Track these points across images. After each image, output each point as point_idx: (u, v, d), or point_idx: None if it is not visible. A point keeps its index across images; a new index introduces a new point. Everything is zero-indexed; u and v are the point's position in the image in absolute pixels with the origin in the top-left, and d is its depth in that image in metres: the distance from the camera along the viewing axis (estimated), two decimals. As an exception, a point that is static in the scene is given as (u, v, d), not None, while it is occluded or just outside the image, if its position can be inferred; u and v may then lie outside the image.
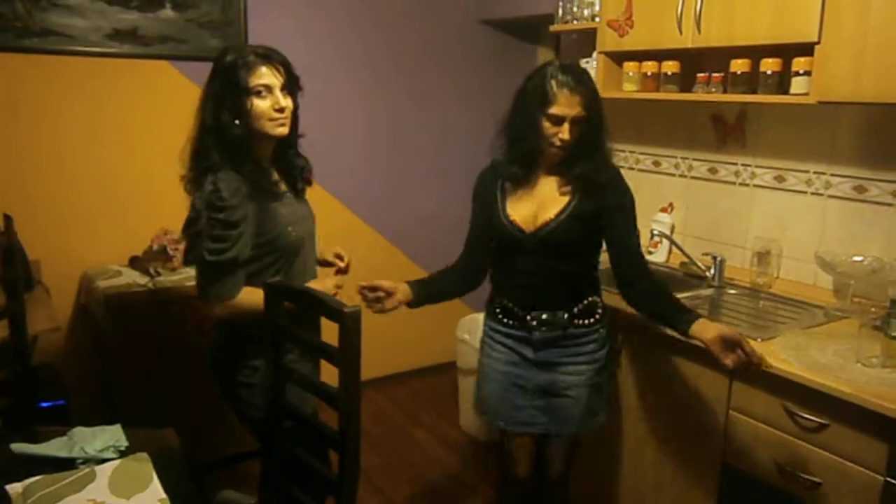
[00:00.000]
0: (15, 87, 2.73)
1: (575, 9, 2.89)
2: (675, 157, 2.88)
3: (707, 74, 2.42)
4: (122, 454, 1.52)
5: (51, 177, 2.82)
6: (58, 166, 2.83)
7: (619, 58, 2.70)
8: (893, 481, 1.60)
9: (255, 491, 1.95)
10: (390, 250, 3.72)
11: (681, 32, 2.35)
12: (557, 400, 1.96)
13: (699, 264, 2.61)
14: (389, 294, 1.89)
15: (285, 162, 1.86)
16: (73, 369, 2.85)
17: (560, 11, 2.98)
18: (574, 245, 1.89)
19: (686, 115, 2.80)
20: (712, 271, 2.55)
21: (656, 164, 2.97)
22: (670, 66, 2.52)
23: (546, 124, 1.81)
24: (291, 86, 1.77)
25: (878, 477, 1.63)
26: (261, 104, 1.69)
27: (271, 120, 1.71)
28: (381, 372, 3.72)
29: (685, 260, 2.68)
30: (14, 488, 1.37)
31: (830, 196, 2.35)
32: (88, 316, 2.87)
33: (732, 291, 2.50)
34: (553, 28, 3.04)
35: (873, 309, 1.94)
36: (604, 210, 1.87)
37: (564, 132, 1.79)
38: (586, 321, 1.95)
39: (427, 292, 1.98)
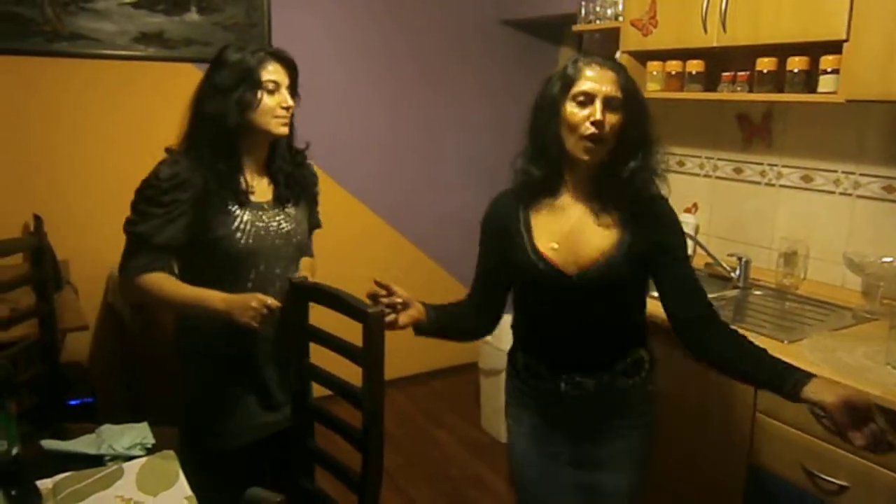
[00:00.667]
0: (46, 91, 2.78)
1: (598, 8, 2.88)
2: (700, 157, 2.85)
3: (732, 73, 2.39)
4: (149, 451, 1.54)
5: (80, 177, 2.87)
6: (88, 167, 2.88)
7: (642, 57, 2.69)
8: (924, 486, 1.57)
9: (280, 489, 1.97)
10: (413, 252, 3.73)
11: (706, 31, 2.32)
12: (603, 478, 1.61)
13: (724, 265, 2.58)
14: (405, 305, 1.56)
15: (274, 167, 1.79)
16: (100, 368, 2.89)
17: (583, 11, 2.97)
18: (626, 289, 1.56)
19: (711, 115, 2.78)
20: (738, 272, 2.52)
21: (681, 163, 2.94)
22: (695, 66, 2.50)
23: (571, 110, 1.45)
24: (295, 88, 1.75)
25: (909, 482, 1.61)
26: (269, 100, 1.67)
27: (276, 117, 1.68)
28: (403, 372, 3.73)
29: (710, 261, 2.65)
30: (44, 484, 1.39)
31: (859, 196, 2.32)
32: (115, 315, 2.91)
33: (758, 292, 2.47)
34: (576, 28, 3.03)
35: (903, 311, 1.91)
36: (659, 245, 1.52)
37: (596, 111, 1.42)
38: (631, 381, 1.60)
39: (441, 321, 1.64)
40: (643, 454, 1.65)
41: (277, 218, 1.76)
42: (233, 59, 1.67)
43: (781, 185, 2.56)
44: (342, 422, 1.71)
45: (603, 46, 3.15)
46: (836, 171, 2.37)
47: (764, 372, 1.42)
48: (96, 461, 1.50)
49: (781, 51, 2.21)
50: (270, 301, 1.58)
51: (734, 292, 2.49)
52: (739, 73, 2.37)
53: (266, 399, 1.80)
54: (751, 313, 2.35)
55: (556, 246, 1.53)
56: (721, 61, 2.50)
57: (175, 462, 1.48)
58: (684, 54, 2.52)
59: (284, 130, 1.72)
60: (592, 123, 1.43)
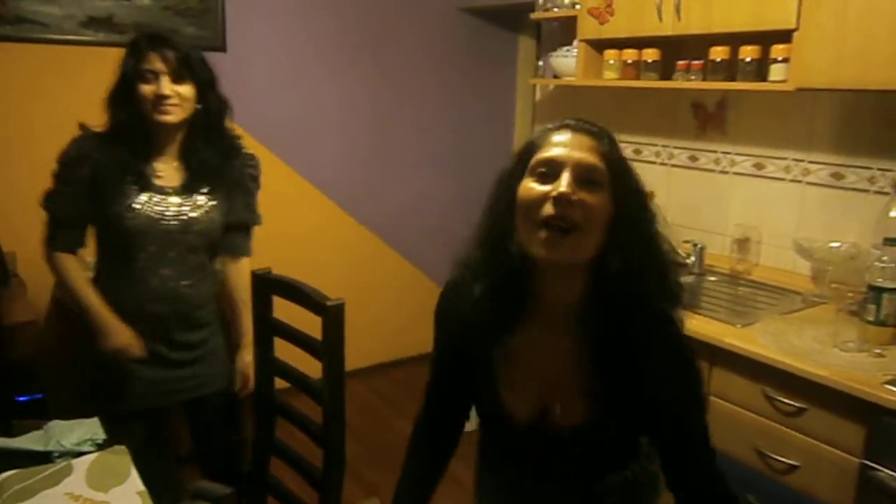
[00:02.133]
0: (-13, 76, 2.68)
1: (555, -4, 2.88)
2: (657, 145, 2.89)
3: (687, 62, 2.43)
4: (100, 447, 1.50)
5: (23, 167, 2.77)
6: (33, 156, 2.77)
7: (599, 46, 2.70)
8: (869, 464, 1.62)
9: (237, 458, 1.98)
10: (372, 240, 3.71)
11: (660, 20, 2.35)
12: None
13: (680, 252, 2.62)
14: None
15: (187, 154, 1.79)
16: (50, 363, 2.81)
17: (541, -1, 2.97)
18: (607, 450, 1.19)
19: (667, 103, 2.81)
20: (693, 258, 2.57)
21: (637, 152, 2.97)
22: (651, 54, 2.52)
23: (530, 185, 1.04)
24: (189, 73, 1.72)
25: (855, 460, 1.66)
26: (144, 89, 1.69)
27: (154, 106, 1.69)
28: (364, 363, 3.71)
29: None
30: (-11, 483, 1.34)
31: (809, 183, 2.37)
32: (65, 308, 2.83)
33: (713, 278, 2.52)
34: (534, 16, 3.03)
35: (850, 294, 1.96)
36: (657, 406, 1.11)
37: (561, 184, 1.00)
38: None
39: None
40: None
41: (181, 205, 1.77)
42: (126, 51, 1.72)
43: (735, 173, 2.60)
44: (303, 416, 1.70)
45: (561, 35, 3.16)
46: (786, 159, 2.43)
47: None
48: (44, 458, 1.46)
49: (734, 40, 2.25)
50: (135, 351, 1.76)
51: (690, 278, 2.53)
52: (694, 62, 2.40)
53: (167, 367, 1.85)
54: (706, 298, 2.39)
55: (521, 391, 1.16)
56: (676, 50, 2.53)
57: (127, 457, 1.44)
58: (640, 43, 2.54)
59: (168, 118, 1.71)
60: (554, 199, 1.00)
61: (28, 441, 1.50)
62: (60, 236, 1.78)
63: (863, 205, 2.21)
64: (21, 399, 2.03)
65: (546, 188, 1.02)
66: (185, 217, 1.77)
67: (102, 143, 1.73)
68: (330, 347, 1.55)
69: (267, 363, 1.77)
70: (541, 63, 3.38)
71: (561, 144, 1.05)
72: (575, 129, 1.07)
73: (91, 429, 1.54)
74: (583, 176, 1.02)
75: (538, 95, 3.53)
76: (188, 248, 1.80)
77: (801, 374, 1.71)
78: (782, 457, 1.81)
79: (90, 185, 1.72)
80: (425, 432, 1.40)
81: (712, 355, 1.95)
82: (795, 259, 2.37)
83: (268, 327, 1.75)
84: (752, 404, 1.88)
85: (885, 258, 1.80)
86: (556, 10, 2.90)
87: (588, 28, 2.66)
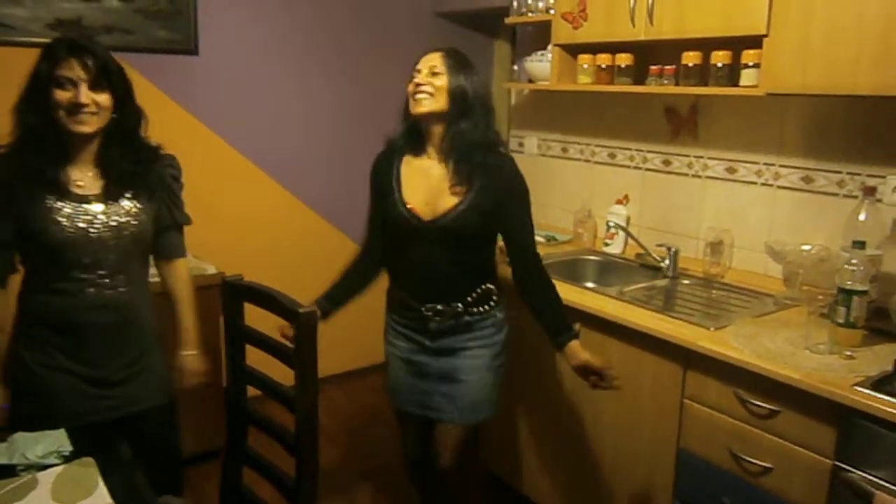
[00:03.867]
0: (-50, 79, 2.61)
1: (530, 1, 2.89)
2: (630, 150, 2.91)
3: (660, 67, 2.44)
4: (67, 459, 1.46)
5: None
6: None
7: (573, 50, 2.71)
8: (841, 465, 1.64)
9: (205, 494, 1.92)
10: (347, 244, 3.68)
11: (633, 25, 2.36)
12: (461, 385, 1.98)
13: (654, 255, 2.63)
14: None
15: (105, 162, 1.72)
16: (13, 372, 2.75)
17: (515, 4, 2.98)
18: (472, 236, 1.91)
19: (640, 108, 2.83)
20: (667, 262, 2.58)
21: (612, 156, 2.99)
22: (624, 59, 2.54)
23: (408, 84, 1.91)
24: (107, 82, 1.65)
25: (827, 461, 1.67)
26: (60, 95, 1.60)
27: (70, 114, 1.61)
28: (340, 368, 3.69)
29: (641, 251, 2.71)
30: (-50, 498, 1.31)
31: (780, 187, 2.40)
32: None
33: (686, 282, 2.54)
34: (508, 20, 3.04)
35: (821, 297, 1.98)
36: (499, 202, 1.89)
37: (421, 75, 1.88)
38: (482, 308, 1.97)
39: (333, 301, 2.05)
40: (491, 367, 2.01)
41: (107, 212, 1.71)
42: (42, 55, 1.64)
43: (707, 177, 2.63)
44: (275, 424, 1.68)
45: (535, 39, 3.17)
46: (758, 163, 2.45)
47: (548, 323, 1.93)
48: (8, 471, 1.42)
49: (706, 45, 2.27)
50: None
51: (664, 282, 2.55)
52: (666, 67, 2.42)
53: (103, 384, 1.76)
54: (680, 302, 2.41)
55: (417, 197, 1.91)
56: (649, 55, 2.55)
57: (94, 469, 1.41)
58: (614, 48, 2.56)
59: (82, 128, 1.64)
60: (416, 85, 1.89)
61: (-9, 454, 1.46)
62: None
63: (832, 208, 2.25)
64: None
65: (415, 80, 1.90)
66: (114, 223, 1.71)
67: (8, 159, 1.64)
68: (302, 355, 1.53)
69: (239, 371, 1.74)
70: (516, 67, 3.39)
71: (422, 61, 1.92)
72: (433, 50, 1.92)
73: (57, 440, 1.50)
74: (432, 70, 1.88)
75: (513, 99, 3.54)
76: (122, 255, 1.74)
77: (774, 377, 1.73)
78: (756, 459, 1.82)
79: (8, 203, 1.63)
80: (359, 254, 2.12)
81: (686, 358, 1.97)
82: (767, 262, 2.40)
83: (239, 335, 1.73)
84: (725, 407, 1.89)
85: (854, 261, 1.82)
86: (530, 14, 2.91)
87: (562, 33, 2.67)
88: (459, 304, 1.94)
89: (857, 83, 1.81)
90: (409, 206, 1.91)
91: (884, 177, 2.10)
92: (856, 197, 2.15)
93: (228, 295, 1.73)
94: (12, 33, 2.67)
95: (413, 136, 1.95)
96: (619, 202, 2.94)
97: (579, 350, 1.88)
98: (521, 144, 3.44)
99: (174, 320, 1.92)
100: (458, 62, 1.90)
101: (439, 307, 1.94)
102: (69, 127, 1.63)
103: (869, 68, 1.78)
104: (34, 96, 1.62)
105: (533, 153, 3.38)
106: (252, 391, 1.75)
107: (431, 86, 1.86)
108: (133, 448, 1.81)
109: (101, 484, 1.37)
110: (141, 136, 1.77)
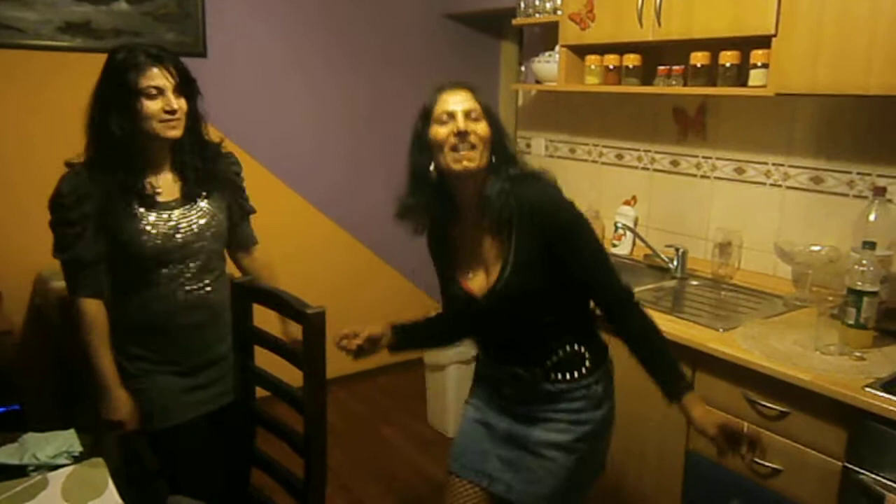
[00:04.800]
0: (-38, 82, 2.64)
1: (537, 2, 2.89)
2: (638, 150, 2.90)
3: (668, 67, 2.44)
4: (77, 460, 1.47)
5: (2, 174, 2.73)
6: (9, 164, 2.74)
7: (581, 51, 2.71)
8: (852, 467, 1.63)
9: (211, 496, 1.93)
10: (354, 245, 3.70)
11: (641, 26, 2.36)
12: (530, 458, 1.63)
13: (662, 256, 2.63)
14: (372, 341, 1.68)
15: (181, 165, 1.79)
16: (27, 373, 2.77)
17: (522, 5, 2.98)
18: (528, 299, 1.56)
19: (648, 109, 2.82)
20: (675, 263, 2.57)
21: (619, 157, 2.98)
22: (632, 60, 2.54)
23: (435, 129, 1.51)
24: (186, 87, 1.72)
25: (837, 463, 1.66)
26: (151, 106, 1.65)
27: (162, 122, 1.67)
28: (348, 370, 3.67)
29: (649, 252, 2.70)
30: (-39, 498, 1.32)
31: (789, 187, 2.39)
32: (42, 318, 2.78)
33: (695, 283, 2.53)
34: (515, 21, 3.04)
35: (831, 298, 1.97)
36: (550, 243, 1.52)
37: (459, 121, 1.48)
38: (567, 375, 1.60)
39: (408, 340, 1.75)
40: (572, 449, 1.61)
41: (188, 215, 1.78)
42: (114, 66, 1.67)
43: (716, 178, 2.62)
44: (284, 426, 1.68)
45: (542, 40, 3.17)
46: (766, 163, 2.44)
47: (657, 371, 1.55)
48: (19, 472, 1.43)
49: (714, 45, 2.26)
50: (130, 425, 1.73)
51: (672, 283, 2.54)
52: (674, 68, 2.41)
53: (190, 380, 1.83)
54: (688, 303, 2.40)
55: (471, 270, 1.62)
56: (657, 55, 2.55)
57: (104, 470, 1.42)
58: (621, 48, 2.55)
59: (175, 133, 1.70)
60: (457, 134, 1.48)
61: (2, 454, 1.48)
62: (84, 280, 1.71)
63: (842, 209, 2.23)
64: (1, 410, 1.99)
65: (448, 128, 1.49)
66: (196, 226, 1.78)
67: (94, 174, 1.68)
68: (311, 355, 1.53)
69: (247, 372, 1.75)
70: (523, 68, 3.39)
71: (449, 101, 1.52)
72: (454, 86, 1.54)
73: (67, 441, 1.51)
74: (470, 114, 1.50)
75: (521, 101, 3.54)
76: (206, 255, 1.80)
77: (783, 378, 1.72)
78: (765, 461, 1.81)
79: (96, 219, 1.68)
80: (442, 314, 1.79)
81: (694, 359, 1.96)
82: (776, 263, 2.39)
83: (248, 336, 1.73)
84: (734, 408, 1.88)
85: (864, 262, 1.81)
86: (538, 15, 2.91)
87: (569, 34, 2.67)
88: (538, 369, 1.60)
89: (867, 83, 1.80)
90: (463, 286, 1.61)
91: (894, 177, 2.09)
92: (866, 197, 2.14)
93: (237, 296, 1.73)
94: (22, 37, 2.69)
95: (442, 196, 1.59)
96: (626, 203, 2.93)
97: (702, 405, 1.51)
98: (528, 146, 3.44)
99: None
100: (483, 97, 1.56)
101: (515, 371, 1.62)
102: (163, 134, 1.68)
103: (879, 68, 1.77)
104: (119, 108, 1.65)
105: (540, 154, 3.38)
106: (260, 392, 1.75)
107: (475, 135, 1.49)
108: (209, 444, 1.87)
109: (111, 484, 1.38)
110: (205, 134, 1.84)
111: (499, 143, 1.54)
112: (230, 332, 1.84)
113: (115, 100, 1.65)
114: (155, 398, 1.78)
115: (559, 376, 1.60)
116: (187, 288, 1.77)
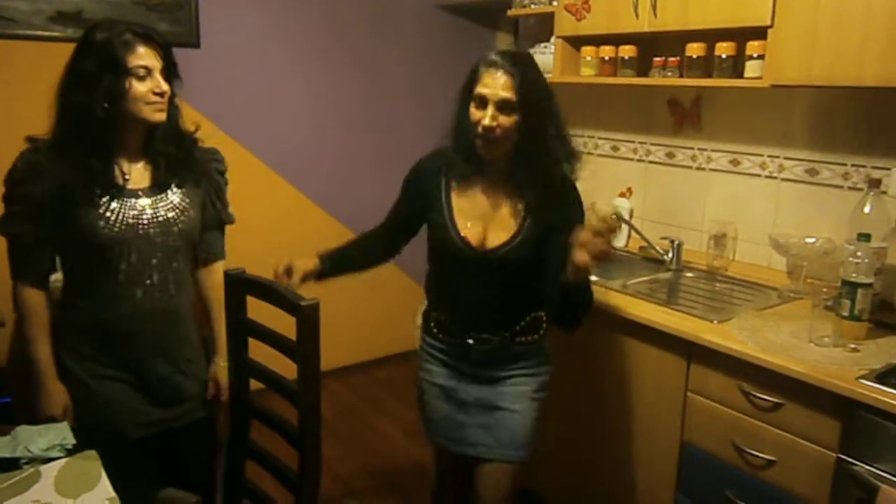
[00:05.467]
0: (-49, 73, 2.61)
1: (532, -7, 2.88)
2: (634, 142, 2.89)
3: (663, 59, 2.43)
4: (70, 452, 1.46)
5: (-8, 166, 2.71)
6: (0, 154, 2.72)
7: (576, 42, 2.70)
8: (846, 458, 1.63)
9: (210, 489, 1.92)
10: (346, 235, 3.67)
11: (637, 16, 2.35)
12: (501, 415, 1.80)
13: (657, 248, 2.63)
14: (306, 277, 1.79)
15: (154, 152, 1.68)
16: (18, 366, 2.75)
17: (517, -5, 2.96)
18: (527, 267, 1.73)
19: (643, 100, 2.82)
20: (670, 255, 2.57)
21: (615, 148, 2.98)
22: (627, 51, 2.53)
23: (472, 110, 1.64)
24: (170, 71, 1.64)
25: (831, 454, 1.67)
26: (139, 87, 1.56)
27: (149, 104, 1.58)
28: (342, 362, 3.68)
29: (644, 244, 2.70)
30: (-47, 491, 1.31)
31: (784, 179, 2.39)
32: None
33: (690, 274, 2.53)
34: (511, 12, 3.02)
35: (825, 290, 1.97)
36: (553, 231, 1.68)
37: (486, 117, 1.59)
38: (529, 337, 1.80)
39: (334, 263, 1.85)
40: (534, 398, 1.82)
41: (156, 206, 1.67)
42: (98, 43, 1.55)
43: (711, 169, 2.61)
44: (278, 417, 1.67)
45: (538, 32, 3.15)
46: (762, 155, 2.44)
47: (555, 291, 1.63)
48: (11, 464, 1.42)
49: (710, 36, 2.25)
50: (63, 420, 1.61)
51: (667, 275, 2.54)
52: (670, 59, 2.40)
53: (152, 395, 1.73)
54: (683, 295, 2.40)
55: (469, 225, 1.72)
56: (653, 47, 2.54)
57: (97, 462, 1.41)
58: (617, 40, 2.54)
59: (161, 117, 1.62)
60: (483, 128, 1.60)
61: (-6, 447, 1.46)
62: (28, 264, 1.63)
63: (837, 201, 2.23)
64: (-11, 403, 1.98)
65: (479, 114, 1.61)
66: (162, 218, 1.67)
67: (57, 152, 1.57)
68: (305, 348, 1.52)
69: (241, 364, 1.74)
70: (518, 60, 3.36)
71: (489, 84, 1.60)
72: (503, 70, 1.60)
73: (60, 433, 1.50)
74: (502, 107, 1.59)
75: (516, 92, 3.52)
76: (170, 252, 1.69)
77: (778, 370, 1.72)
78: (759, 452, 1.81)
79: (53, 200, 1.57)
80: (373, 230, 1.95)
81: (689, 351, 1.96)
82: (771, 255, 2.39)
83: (242, 328, 1.72)
84: (729, 400, 1.88)
85: (858, 254, 1.81)
86: (533, 6, 2.89)
87: (565, 25, 2.65)
88: (507, 333, 1.77)
89: (862, 75, 1.80)
90: (462, 235, 1.72)
91: (889, 169, 2.09)
92: (861, 189, 2.14)
93: (230, 288, 1.72)
94: (14, 26, 2.67)
95: (470, 159, 1.72)
96: (622, 195, 2.93)
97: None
98: (523, 137, 3.43)
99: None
100: (527, 81, 1.61)
101: (484, 335, 1.77)
102: (149, 117, 1.60)
103: (875, 60, 1.77)
104: (103, 86, 1.54)
105: (536, 146, 3.37)
106: (255, 384, 1.75)
107: (501, 128, 1.61)
108: (168, 463, 1.78)
109: (104, 477, 1.37)
110: (180, 124, 1.73)
111: (532, 124, 1.63)
112: (193, 347, 1.78)
113: (98, 78, 1.54)
114: (99, 407, 1.68)
115: (523, 339, 1.79)
116: (146, 289, 1.66)
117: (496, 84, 1.60)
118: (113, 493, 1.31)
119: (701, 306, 2.22)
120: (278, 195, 3.44)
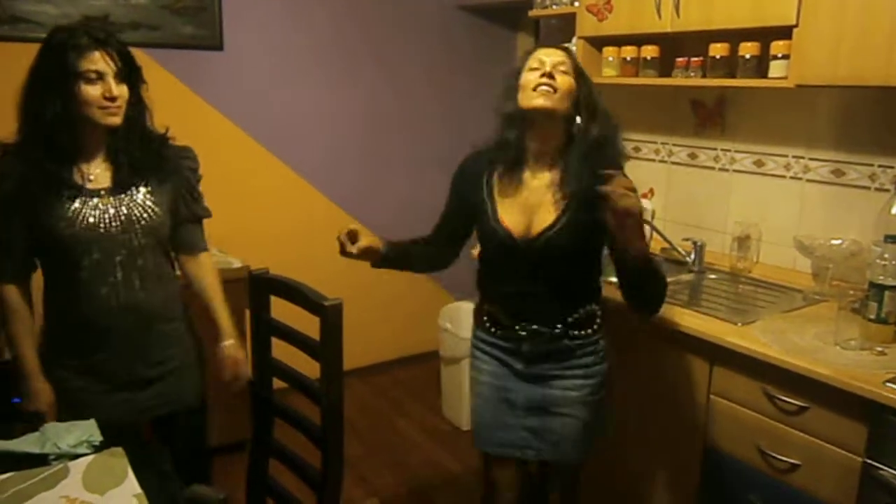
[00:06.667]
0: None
1: (554, -7, 2.87)
2: (656, 143, 2.88)
3: (686, 59, 2.41)
4: (97, 449, 1.49)
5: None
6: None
7: (598, 43, 2.69)
8: (872, 463, 1.61)
9: (231, 486, 1.94)
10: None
11: (660, 16, 2.33)
12: (552, 420, 1.78)
13: (679, 250, 2.61)
14: (366, 252, 1.79)
15: (115, 153, 1.69)
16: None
17: (539, -4, 2.96)
18: (573, 255, 1.73)
19: (666, 101, 2.80)
20: (692, 256, 2.55)
21: (636, 149, 2.96)
22: (650, 51, 2.51)
23: (526, 77, 1.68)
24: (128, 74, 1.64)
25: (857, 458, 1.65)
26: (90, 90, 1.57)
27: (101, 108, 1.59)
28: (364, 362, 3.70)
29: (666, 245, 2.68)
30: (-15, 486, 1.33)
31: (809, 180, 2.36)
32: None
33: (713, 276, 2.51)
34: (532, 13, 3.02)
35: (851, 292, 1.95)
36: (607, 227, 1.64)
37: (547, 67, 1.66)
38: (583, 332, 1.78)
39: (397, 256, 1.87)
40: (587, 402, 1.79)
41: (118, 204, 1.68)
42: (52, 47, 1.58)
43: (734, 170, 2.59)
44: (301, 417, 1.69)
45: (559, 32, 3.14)
46: (786, 156, 2.41)
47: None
48: (40, 461, 1.44)
49: (734, 36, 2.23)
50: (48, 417, 1.66)
51: (689, 276, 2.52)
52: (693, 59, 2.39)
53: (132, 384, 1.75)
54: (705, 297, 2.38)
55: (513, 215, 1.73)
56: (675, 47, 2.52)
57: (123, 459, 1.43)
58: (639, 40, 2.53)
59: (113, 120, 1.62)
60: (542, 75, 1.65)
61: (24, 443, 1.49)
62: (5, 263, 1.66)
63: (864, 202, 2.20)
64: (17, 401, 2.01)
65: (539, 75, 1.66)
66: (123, 216, 1.68)
67: (22, 154, 1.61)
68: (328, 347, 1.54)
69: (265, 364, 1.76)
70: (539, 61, 3.36)
71: (545, 54, 1.70)
72: (553, 47, 1.74)
73: (87, 430, 1.53)
74: (558, 67, 1.67)
75: (537, 93, 3.52)
76: (135, 250, 1.70)
77: (803, 373, 1.70)
78: (784, 456, 1.79)
79: (20, 200, 1.61)
80: (426, 237, 1.95)
81: (713, 354, 1.94)
82: (796, 256, 2.36)
83: (266, 328, 1.74)
84: (752, 403, 1.87)
85: (886, 255, 1.78)
86: (554, 6, 2.88)
87: (587, 25, 2.64)
88: (559, 326, 1.75)
89: (890, 74, 1.77)
90: (504, 225, 1.73)
91: (917, 169, 2.06)
92: (888, 190, 2.11)
93: (254, 288, 1.74)
94: (42, 30, 2.70)
95: (511, 147, 1.75)
96: (643, 196, 2.91)
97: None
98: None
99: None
100: (580, 66, 1.74)
101: (534, 326, 1.75)
102: (101, 121, 1.61)
103: (903, 58, 1.74)
104: (55, 88, 1.57)
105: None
106: (277, 383, 1.76)
107: (559, 81, 1.66)
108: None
109: (131, 473, 1.39)
110: (148, 125, 1.74)
111: (586, 102, 1.69)
112: (174, 338, 1.78)
113: (52, 82, 1.57)
114: (87, 403, 1.70)
115: (576, 332, 1.76)
116: (111, 286, 1.67)
117: (549, 53, 1.70)
118: (139, 490, 1.33)
119: (724, 308, 2.20)
120: (303, 199, 3.46)
